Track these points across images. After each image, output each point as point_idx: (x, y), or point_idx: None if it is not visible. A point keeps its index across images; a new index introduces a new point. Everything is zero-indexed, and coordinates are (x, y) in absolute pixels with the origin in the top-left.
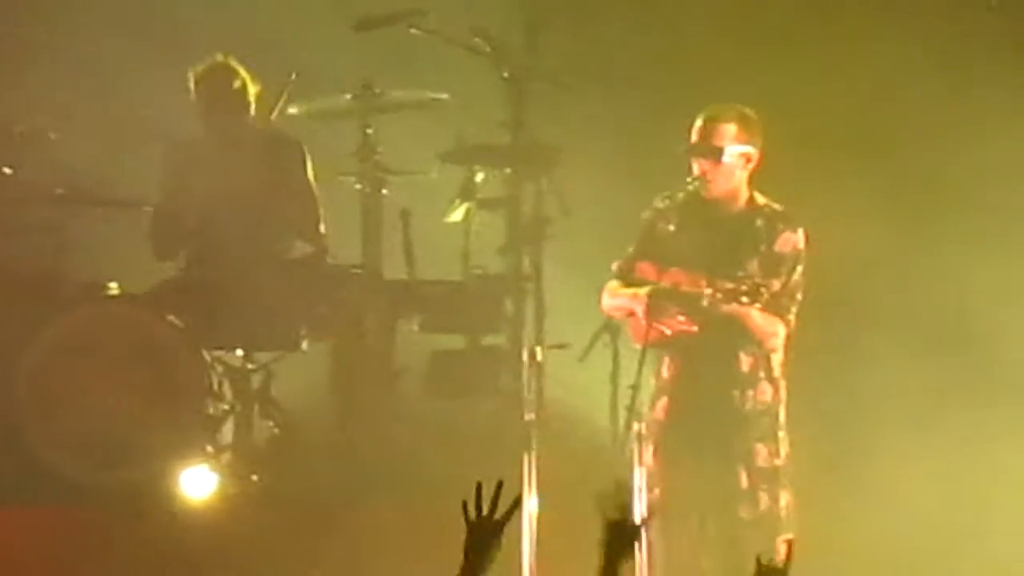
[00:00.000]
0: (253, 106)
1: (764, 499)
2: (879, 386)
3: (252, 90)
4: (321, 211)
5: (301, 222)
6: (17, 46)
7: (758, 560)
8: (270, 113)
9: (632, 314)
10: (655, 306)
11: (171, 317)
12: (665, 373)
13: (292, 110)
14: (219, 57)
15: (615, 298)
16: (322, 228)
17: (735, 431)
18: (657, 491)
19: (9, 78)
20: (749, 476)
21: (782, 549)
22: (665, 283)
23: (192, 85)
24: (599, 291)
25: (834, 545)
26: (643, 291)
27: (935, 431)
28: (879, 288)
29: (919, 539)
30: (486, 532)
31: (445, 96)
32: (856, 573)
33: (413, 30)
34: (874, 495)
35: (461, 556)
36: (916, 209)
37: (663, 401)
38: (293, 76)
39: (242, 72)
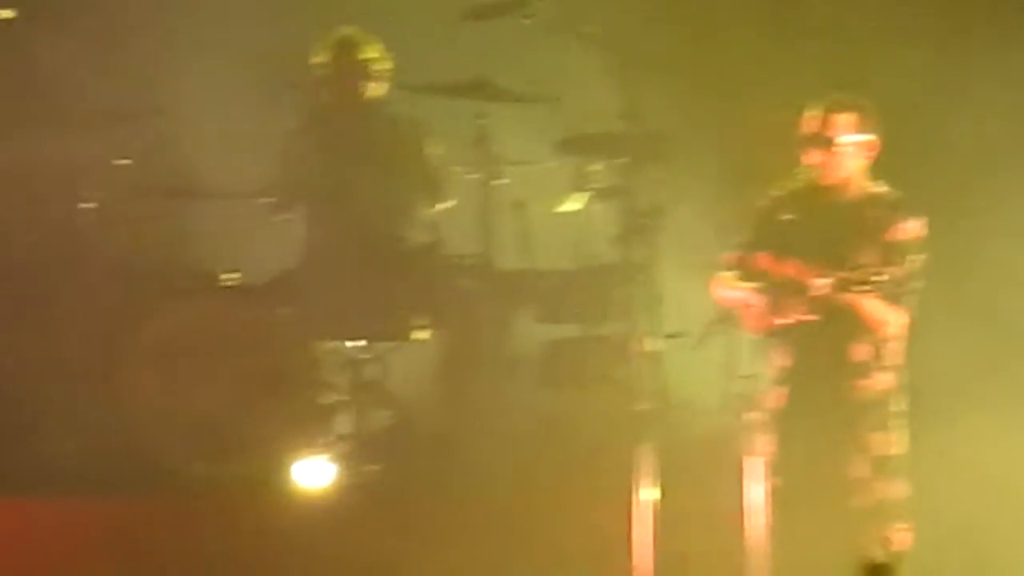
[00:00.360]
0: (382, 84)
1: (879, 488)
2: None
3: (382, 65)
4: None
5: (422, 206)
6: (137, 35)
7: (867, 559)
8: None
9: (747, 306)
10: (769, 301)
11: (286, 308)
12: (780, 362)
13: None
14: (349, 30)
15: (730, 290)
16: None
17: (850, 420)
18: (773, 480)
19: (128, 67)
20: (864, 465)
21: (899, 538)
22: (779, 273)
23: (321, 57)
24: (713, 280)
25: (948, 534)
26: (758, 285)
27: None
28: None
29: None
30: None
31: (558, 91)
32: (971, 561)
33: (526, 21)
34: (988, 483)
35: (571, 544)
36: None
37: (778, 390)
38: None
39: (372, 45)
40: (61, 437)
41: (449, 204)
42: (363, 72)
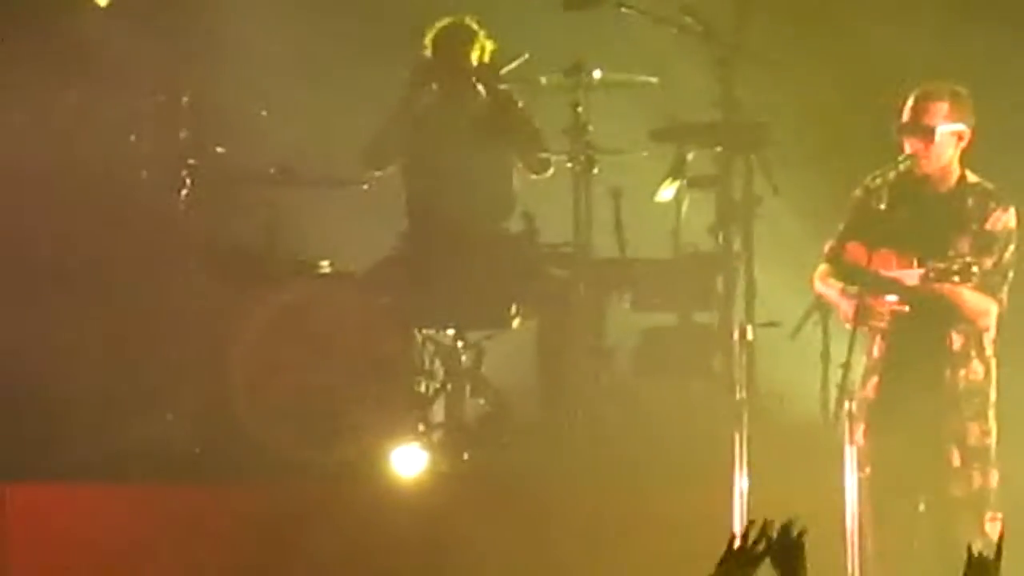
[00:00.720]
0: (488, 68)
1: (976, 478)
2: None
3: (489, 48)
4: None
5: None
6: (229, 25)
7: (969, 550)
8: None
9: (842, 296)
10: (862, 310)
11: (383, 295)
12: (876, 352)
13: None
14: (459, 18)
15: (826, 287)
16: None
17: (947, 410)
18: (868, 470)
19: (223, 59)
20: (961, 455)
21: (993, 528)
22: (875, 265)
23: (429, 44)
24: (809, 269)
25: None
26: (852, 289)
27: None
28: None
29: None
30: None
31: (654, 80)
32: None
33: (623, 8)
34: None
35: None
36: None
37: (874, 380)
38: (526, 56)
39: (480, 34)
40: (163, 424)
41: (548, 171)
42: (467, 64)
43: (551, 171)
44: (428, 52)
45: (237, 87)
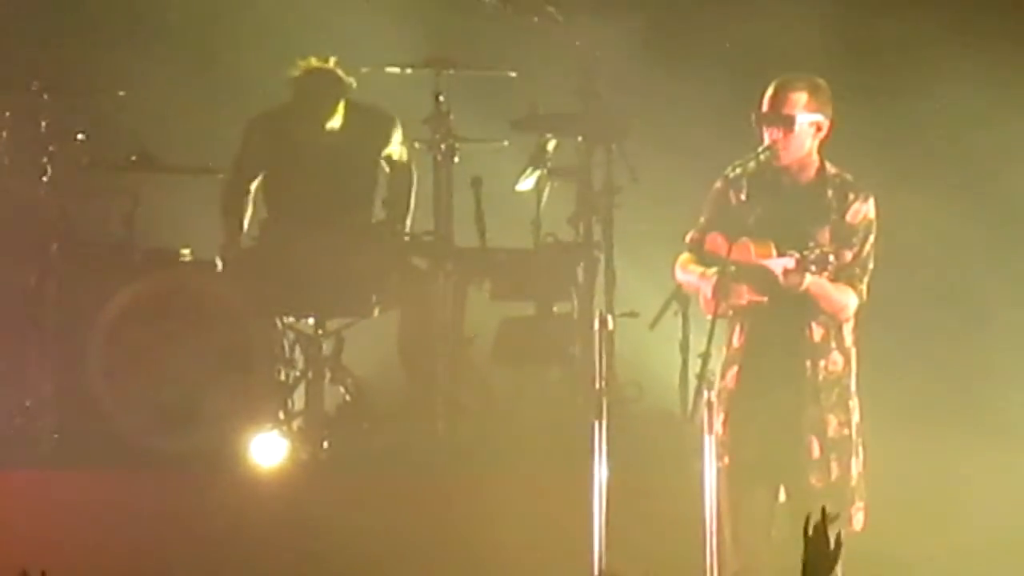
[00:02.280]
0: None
1: (835, 468)
2: (952, 354)
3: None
4: (415, 185)
5: (393, 194)
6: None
7: (805, 531)
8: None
9: (702, 285)
10: (721, 288)
11: (243, 283)
12: (736, 342)
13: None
14: (319, 62)
15: (686, 274)
16: (412, 200)
17: (806, 401)
18: (727, 459)
19: (84, 46)
20: (820, 445)
21: (857, 519)
22: (735, 255)
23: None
24: (669, 259)
25: (903, 514)
26: (711, 271)
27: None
28: (945, 255)
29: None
30: None
31: (513, 74)
32: (926, 543)
33: None
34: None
35: (526, 521)
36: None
37: (734, 370)
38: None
39: (340, 75)
40: (22, 410)
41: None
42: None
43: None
44: (294, 79)
45: (97, 73)
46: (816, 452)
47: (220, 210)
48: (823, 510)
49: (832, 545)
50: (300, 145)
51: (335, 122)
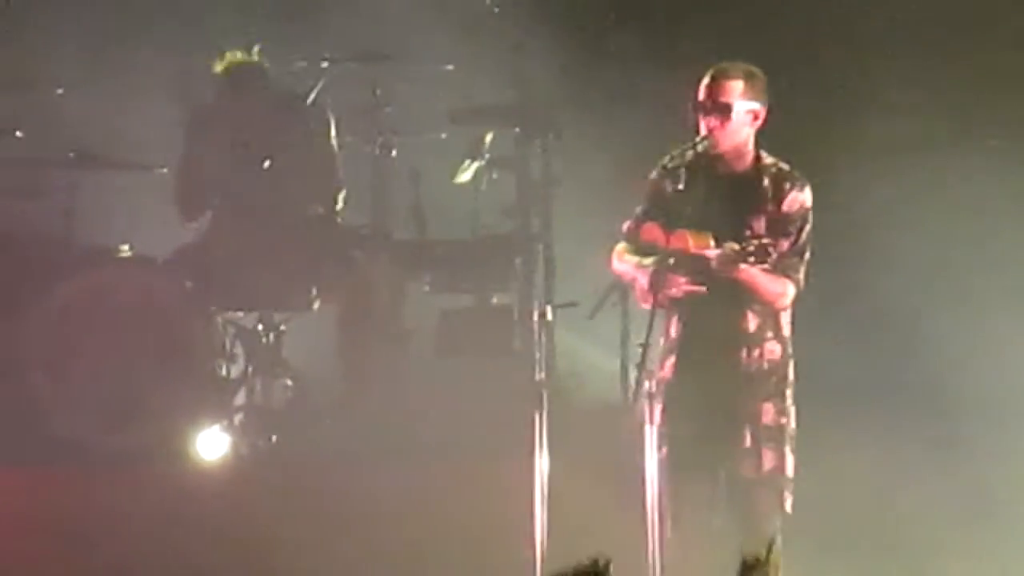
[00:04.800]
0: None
1: (770, 457)
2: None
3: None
4: (342, 178)
5: (321, 188)
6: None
7: (744, 558)
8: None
9: (638, 276)
10: (657, 279)
11: (184, 279)
12: (673, 332)
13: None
14: (242, 54)
15: (622, 263)
16: (341, 196)
17: (742, 390)
18: (665, 450)
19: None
20: (754, 435)
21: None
22: (672, 245)
23: (217, 72)
24: (608, 250)
25: (836, 504)
26: (647, 261)
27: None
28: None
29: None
30: None
31: (450, 67)
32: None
33: None
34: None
35: (468, 513)
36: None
37: (671, 360)
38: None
39: (265, 66)
40: None
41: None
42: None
43: (340, 204)
44: (219, 76)
45: (35, 70)
46: (749, 441)
47: (176, 207)
48: (770, 547)
49: None
50: (235, 141)
51: (264, 115)
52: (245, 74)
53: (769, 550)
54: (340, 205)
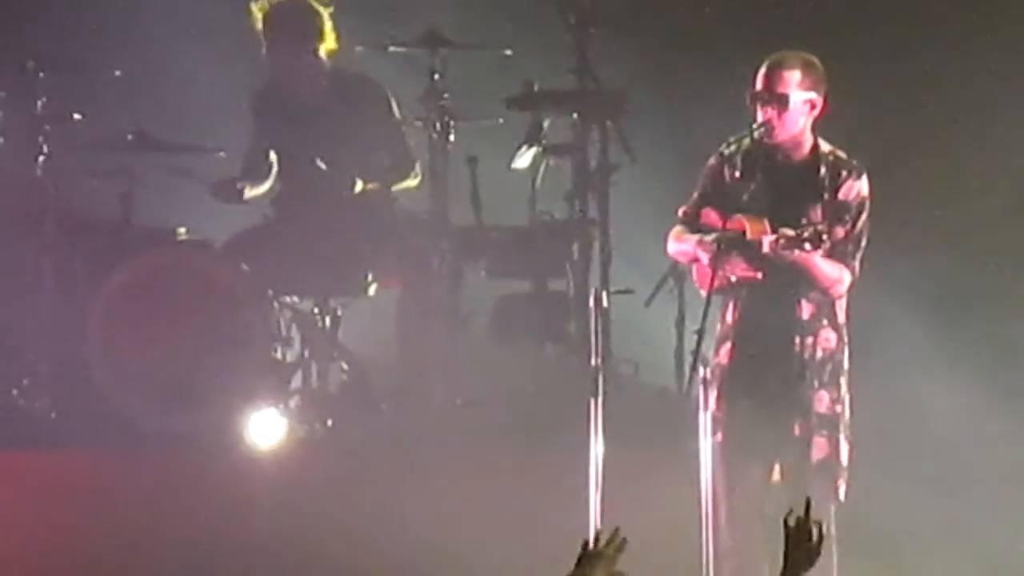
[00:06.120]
0: (330, 38)
1: (824, 445)
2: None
3: (327, 21)
4: (413, 154)
5: (394, 168)
6: None
7: (786, 523)
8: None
9: (697, 260)
10: (720, 253)
11: (240, 263)
12: (729, 318)
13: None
14: None
15: (680, 243)
16: (415, 171)
17: (795, 377)
18: (719, 436)
19: (79, 25)
20: (809, 422)
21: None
22: (729, 230)
23: (259, 23)
24: (664, 237)
25: (890, 490)
26: (709, 238)
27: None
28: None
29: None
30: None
31: (509, 52)
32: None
33: None
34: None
35: (523, 498)
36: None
37: (727, 346)
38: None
39: (314, 6)
40: (21, 391)
41: (414, 181)
42: (302, 39)
43: (413, 181)
44: (259, 27)
45: (94, 52)
46: (803, 429)
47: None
48: (807, 503)
49: (815, 539)
50: (293, 113)
51: (318, 91)
52: (289, 14)
53: (807, 508)
54: (415, 180)
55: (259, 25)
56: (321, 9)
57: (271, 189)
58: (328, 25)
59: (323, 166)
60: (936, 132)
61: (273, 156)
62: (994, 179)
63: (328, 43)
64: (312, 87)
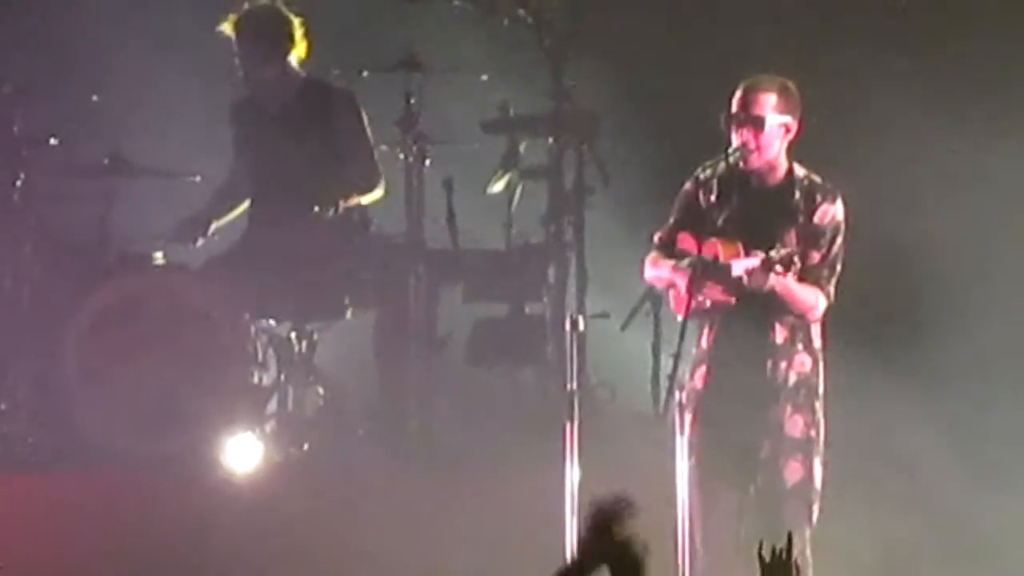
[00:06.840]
0: (301, 46)
1: (798, 470)
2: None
3: (298, 28)
4: (379, 165)
5: (361, 178)
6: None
7: (760, 556)
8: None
9: (673, 285)
10: (696, 279)
11: (217, 287)
12: (704, 342)
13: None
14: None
15: (656, 268)
16: (380, 186)
17: (769, 401)
18: (694, 460)
19: (56, 50)
20: (782, 446)
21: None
22: (704, 254)
23: (232, 32)
24: (640, 260)
25: (864, 518)
26: (684, 263)
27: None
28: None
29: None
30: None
31: (484, 76)
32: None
33: (456, 1)
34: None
35: (499, 521)
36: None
37: (702, 370)
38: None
39: (285, 13)
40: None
41: (379, 192)
42: (274, 50)
43: (379, 192)
44: (231, 35)
45: (70, 77)
46: (775, 453)
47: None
48: (789, 537)
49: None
50: (265, 123)
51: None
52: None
53: (789, 542)
54: (379, 194)
55: (230, 31)
56: (291, 16)
57: (249, 206)
58: (299, 32)
59: (296, 178)
60: (910, 155)
61: (247, 170)
62: (967, 201)
63: (299, 50)
64: (283, 94)
